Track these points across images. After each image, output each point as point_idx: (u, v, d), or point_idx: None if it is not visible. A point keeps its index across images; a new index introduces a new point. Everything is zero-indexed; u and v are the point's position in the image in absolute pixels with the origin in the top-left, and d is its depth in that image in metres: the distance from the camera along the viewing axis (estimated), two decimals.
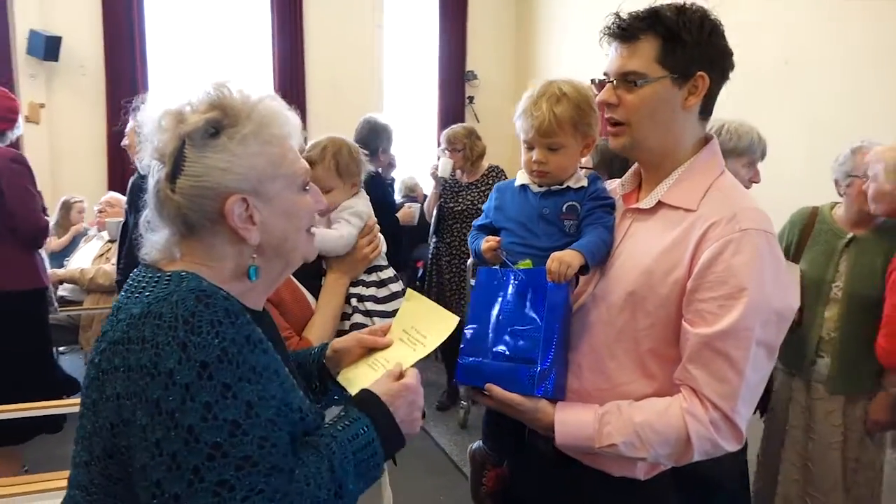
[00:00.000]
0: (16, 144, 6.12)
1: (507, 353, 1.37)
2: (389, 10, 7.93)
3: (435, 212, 4.56)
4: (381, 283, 1.83)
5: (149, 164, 1.06)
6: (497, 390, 1.35)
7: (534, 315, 1.37)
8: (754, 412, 2.49)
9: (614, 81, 1.33)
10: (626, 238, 1.40)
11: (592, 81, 1.43)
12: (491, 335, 1.40)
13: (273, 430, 0.93)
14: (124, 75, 6.86)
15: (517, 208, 1.55)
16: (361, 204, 1.87)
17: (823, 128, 4.32)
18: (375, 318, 1.77)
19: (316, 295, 1.78)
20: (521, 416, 1.36)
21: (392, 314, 1.74)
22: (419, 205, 4.68)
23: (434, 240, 4.61)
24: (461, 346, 1.44)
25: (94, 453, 0.97)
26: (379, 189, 3.90)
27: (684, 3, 1.30)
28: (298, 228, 1.10)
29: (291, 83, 7.45)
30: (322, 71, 7.55)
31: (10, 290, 3.14)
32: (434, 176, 4.43)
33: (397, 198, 6.45)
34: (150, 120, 1.04)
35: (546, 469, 1.51)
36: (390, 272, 1.88)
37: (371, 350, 1.32)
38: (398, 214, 3.87)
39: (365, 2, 7.77)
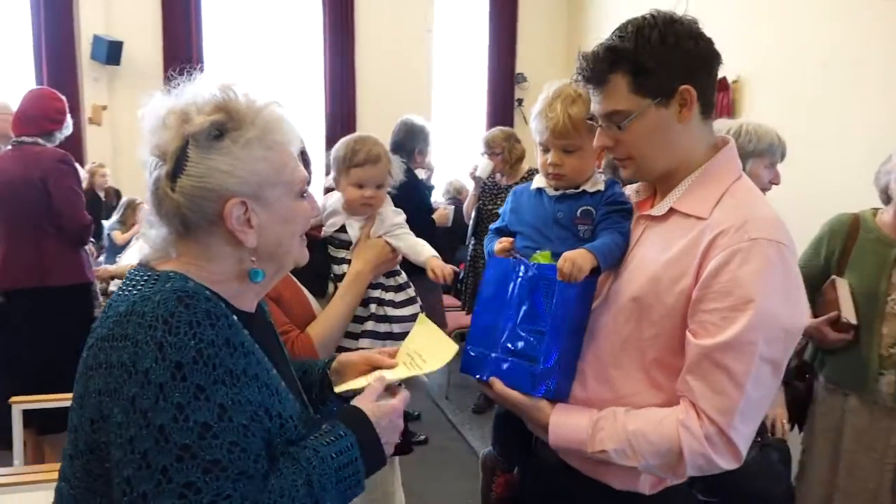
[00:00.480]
0: (78, 145, 6.49)
1: (512, 347, 1.36)
2: (440, 13, 7.95)
3: (473, 213, 4.54)
4: (400, 288, 1.80)
5: (146, 159, 1.07)
6: (497, 385, 1.35)
7: (542, 312, 1.34)
8: (791, 426, 2.42)
9: (602, 124, 1.31)
10: (637, 245, 1.36)
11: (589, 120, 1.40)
12: (498, 327, 1.39)
13: (245, 435, 0.93)
14: (182, 81, 7.03)
15: (532, 212, 1.52)
16: (402, 213, 1.87)
17: (860, 131, 4.12)
18: (394, 325, 1.75)
19: (316, 294, 1.75)
20: (520, 413, 1.35)
21: (409, 318, 1.75)
22: (454, 206, 4.67)
23: (472, 242, 4.59)
24: (468, 334, 1.43)
25: (78, 447, 0.99)
26: (415, 190, 3.90)
27: (643, 21, 1.25)
28: (293, 234, 1.11)
29: (342, 87, 7.59)
30: (372, 75, 7.64)
31: (57, 285, 3.28)
32: (473, 177, 4.42)
33: (442, 199, 6.48)
34: (154, 116, 1.04)
35: (550, 478, 1.47)
36: (404, 276, 1.86)
37: (375, 368, 1.33)
38: (434, 216, 3.86)
39: (415, 6, 7.82)
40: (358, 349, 1.63)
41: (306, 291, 1.72)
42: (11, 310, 3.24)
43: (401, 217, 1.85)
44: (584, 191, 1.47)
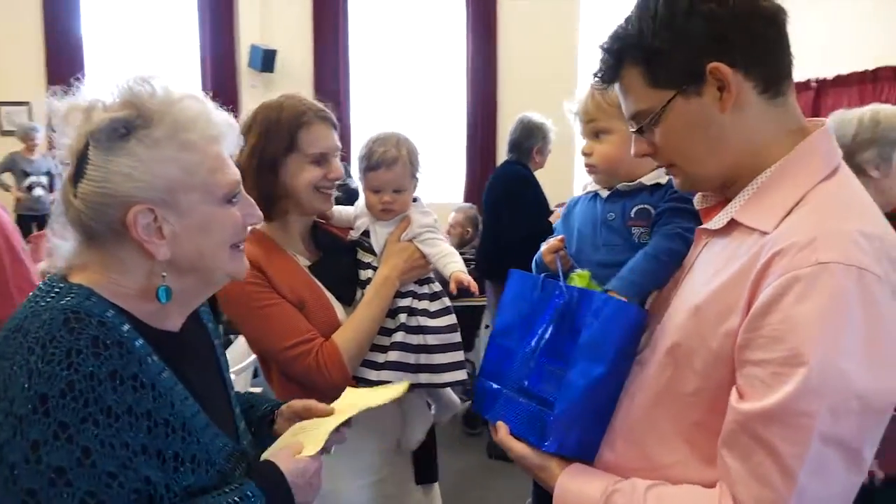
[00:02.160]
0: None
1: (526, 385, 1.12)
2: (585, 2, 7.57)
3: None
4: (434, 296, 1.58)
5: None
6: (502, 431, 1.13)
7: (568, 347, 1.06)
8: None
9: (634, 129, 1.06)
10: (692, 268, 1.05)
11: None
12: (517, 358, 1.16)
13: (108, 485, 0.81)
14: (329, 87, 7.34)
15: (582, 216, 1.31)
16: (432, 214, 1.67)
17: None
18: (428, 336, 1.52)
19: (343, 301, 1.57)
20: (525, 470, 1.11)
21: (447, 330, 1.55)
22: None
23: None
24: (482, 362, 1.24)
25: None
26: (532, 190, 3.63)
27: None
28: (218, 244, 0.98)
29: (484, 83, 7.47)
30: (516, 68, 7.40)
31: None
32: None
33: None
34: (58, 113, 0.94)
35: None
36: (438, 284, 1.63)
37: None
38: (551, 218, 3.57)
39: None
40: (386, 362, 1.49)
41: (331, 297, 1.53)
42: None
43: (429, 219, 1.63)
44: (640, 185, 1.22)
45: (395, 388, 1.26)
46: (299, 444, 1.07)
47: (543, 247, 1.28)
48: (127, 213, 0.89)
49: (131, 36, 7.04)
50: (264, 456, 1.07)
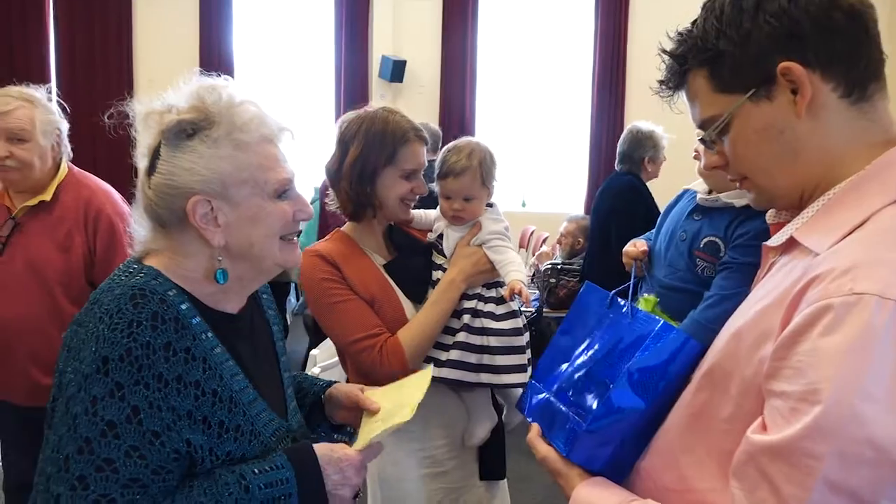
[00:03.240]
0: None
1: (572, 396, 1.10)
2: None
3: None
4: (501, 300, 1.59)
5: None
6: (533, 431, 1.13)
7: (617, 369, 1.04)
8: None
9: (705, 141, 1.00)
10: (753, 289, 0.98)
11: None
12: (569, 366, 1.15)
13: (151, 442, 0.92)
14: (455, 96, 7.53)
15: (674, 218, 1.29)
16: (503, 221, 1.69)
17: None
18: (491, 338, 1.54)
19: (414, 299, 1.63)
20: (548, 472, 1.09)
21: (510, 332, 1.58)
22: None
23: None
24: (537, 364, 1.25)
25: (48, 421, 1.02)
26: (642, 202, 3.52)
27: None
28: (267, 235, 1.07)
29: (611, 91, 7.35)
30: (644, 76, 7.17)
31: None
32: None
33: None
34: (138, 116, 1.07)
35: None
36: None
37: (356, 407, 1.27)
38: None
39: None
40: (448, 360, 1.55)
41: (401, 295, 1.59)
42: None
43: (499, 226, 1.65)
44: (730, 206, 1.15)
45: (423, 376, 1.27)
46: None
47: (629, 246, 1.24)
48: (188, 203, 1.01)
49: (276, 48, 7.57)
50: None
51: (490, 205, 1.67)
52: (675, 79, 0.97)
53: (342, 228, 1.67)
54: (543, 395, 1.15)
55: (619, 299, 1.15)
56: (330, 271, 1.54)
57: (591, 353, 1.12)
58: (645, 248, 1.23)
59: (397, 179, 1.57)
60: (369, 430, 1.16)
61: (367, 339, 1.51)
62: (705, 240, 1.15)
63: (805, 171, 0.89)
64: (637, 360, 1.01)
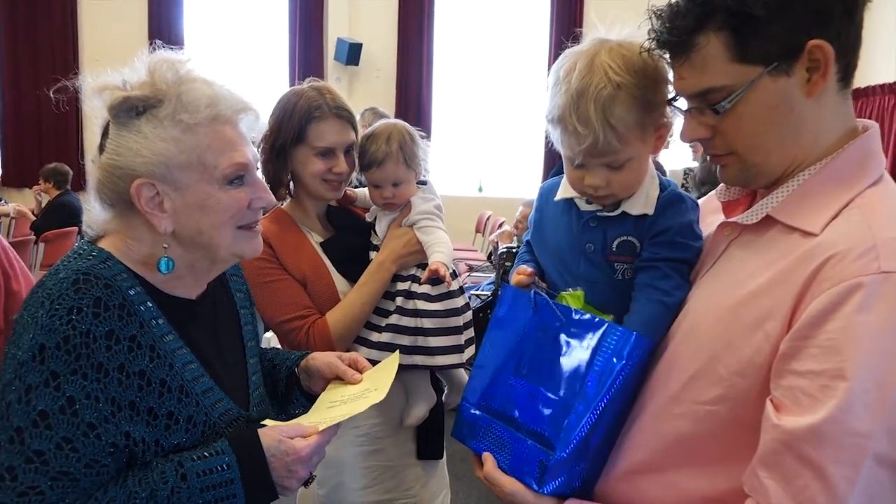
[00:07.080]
0: None
1: (518, 417, 1.03)
2: None
3: None
4: (437, 281, 1.56)
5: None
6: (489, 463, 1.03)
7: (571, 379, 0.99)
8: None
9: (692, 108, 0.93)
10: (716, 264, 0.98)
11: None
12: (506, 383, 1.07)
13: (85, 434, 0.87)
14: (412, 81, 7.48)
15: (556, 233, 1.16)
16: (433, 199, 1.64)
17: None
18: (424, 320, 1.54)
19: (350, 279, 1.60)
20: None
21: (444, 314, 1.56)
22: None
23: None
24: (465, 387, 1.15)
25: None
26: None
27: None
28: (217, 224, 0.99)
29: None
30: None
31: None
32: None
33: None
34: (93, 90, 0.99)
35: None
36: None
37: (338, 378, 1.19)
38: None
39: None
40: (378, 342, 1.52)
41: (336, 274, 1.59)
42: None
43: (429, 205, 1.60)
44: (623, 213, 1.07)
45: (391, 361, 1.22)
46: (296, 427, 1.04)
47: (514, 278, 1.15)
48: (131, 186, 0.94)
49: (228, 28, 7.40)
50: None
51: (424, 182, 1.63)
52: (685, 39, 0.87)
53: (282, 206, 1.63)
54: (490, 421, 1.07)
55: (546, 300, 1.06)
56: (263, 250, 1.50)
57: (530, 368, 1.04)
58: (531, 269, 1.16)
59: (310, 157, 1.52)
60: (330, 413, 1.09)
61: (296, 319, 1.51)
62: (618, 241, 1.07)
63: (795, 152, 0.89)
64: (593, 370, 0.96)
